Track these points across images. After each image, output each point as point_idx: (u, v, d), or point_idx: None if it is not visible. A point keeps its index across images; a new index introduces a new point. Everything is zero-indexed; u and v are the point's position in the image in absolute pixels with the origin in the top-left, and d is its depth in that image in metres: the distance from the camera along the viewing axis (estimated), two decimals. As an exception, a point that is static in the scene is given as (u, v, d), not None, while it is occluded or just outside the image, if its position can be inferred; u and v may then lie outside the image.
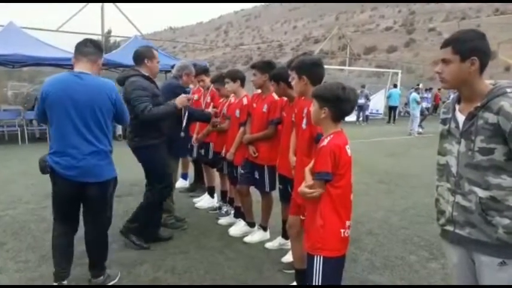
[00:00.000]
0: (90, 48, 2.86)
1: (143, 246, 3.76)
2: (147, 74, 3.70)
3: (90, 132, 2.74)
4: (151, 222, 3.88)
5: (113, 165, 2.95)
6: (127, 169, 6.81)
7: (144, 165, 3.83)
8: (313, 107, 2.28)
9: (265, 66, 3.79)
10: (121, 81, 3.75)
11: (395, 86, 19.13)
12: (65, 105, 2.69)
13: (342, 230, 2.18)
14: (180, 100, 3.79)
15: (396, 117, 18.70)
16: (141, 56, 3.75)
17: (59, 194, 2.86)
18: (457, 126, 1.83)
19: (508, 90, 1.69)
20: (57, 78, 2.81)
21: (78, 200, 2.89)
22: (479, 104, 1.72)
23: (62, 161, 2.73)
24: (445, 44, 1.79)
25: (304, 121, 2.78)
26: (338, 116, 2.24)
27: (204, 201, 5.20)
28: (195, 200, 5.31)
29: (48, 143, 3.00)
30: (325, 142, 2.19)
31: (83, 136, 2.72)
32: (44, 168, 2.79)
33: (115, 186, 3.05)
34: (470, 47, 1.72)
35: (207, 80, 5.15)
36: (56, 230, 2.95)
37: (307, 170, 2.26)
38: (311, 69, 2.76)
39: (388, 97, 18.83)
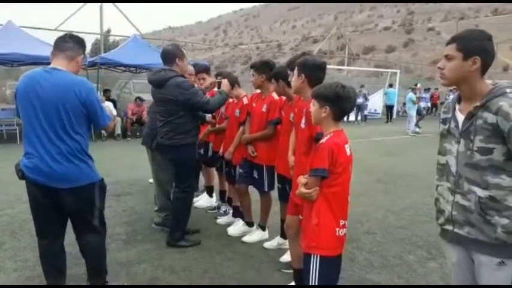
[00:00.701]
0: (69, 43, 2.57)
1: (196, 243, 3.87)
2: (181, 74, 3.64)
3: (55, 132, 2.45)
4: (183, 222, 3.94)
5: (90, 168, 2.61)
6: (126, 169, 6.84)
7: (177, 164, 3.74)
8: (314, 107, 2.29)
9: (262, 67, 3.78)
10: (160, 83, 3.56)
11: (390, 86, 19.21)
12: (32, 103, 2.45)
13: (337, 229, 2.18)
14: (225, 85, 3.89)
15: (394, 116, 18.75)
16: (172, 55, 3.63)
17: (33, 202, 2.60)
18: (457, 126, 1.83)
19: (508, 90, 1.70)
20: (28, 74, 2.55)
21: (56, 209, 2.59)
22: (478, 104, 1.73)
23: (30, 163, 2.49)
24: (451, 41, 1.80)
25: (303, 120, 2.78)
26: (339, 115, 2.26)
27: (203, 200, 5.20)
28: (193, 199, 5.31)
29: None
30: (324, 140, 2.21)
31: (48, 136, 2.45)
32: (17, 173, 2.57)
33: (102, 191, 2.71)
34: (474, 46, 1.74)
35: (208, 78, 5.14)
36: (39, 243, 2.74)
37: (300, 178, 2.26)
38: (312, 70, 2.76)
39: (385, 94, 18.95)
